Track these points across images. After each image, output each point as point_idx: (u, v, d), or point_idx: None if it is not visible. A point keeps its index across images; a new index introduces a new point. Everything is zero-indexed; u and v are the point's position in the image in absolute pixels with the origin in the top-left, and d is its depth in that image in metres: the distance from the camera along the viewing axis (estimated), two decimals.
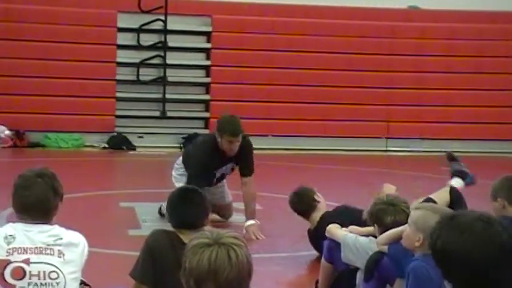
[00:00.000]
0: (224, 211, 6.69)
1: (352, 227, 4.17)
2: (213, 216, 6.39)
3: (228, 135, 6.03)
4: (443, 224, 1.90)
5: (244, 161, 6.25)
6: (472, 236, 1.84)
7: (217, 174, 6.36)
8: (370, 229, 3.95)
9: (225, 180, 6.61)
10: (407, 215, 3.73)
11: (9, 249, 2.90)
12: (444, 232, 1.88)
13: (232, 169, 6.49)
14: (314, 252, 5.46)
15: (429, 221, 3.30)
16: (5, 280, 2.87)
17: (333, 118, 12.45)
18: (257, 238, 6.02)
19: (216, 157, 6.11)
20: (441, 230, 1.89)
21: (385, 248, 3.64)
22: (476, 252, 1.83)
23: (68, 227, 3.09)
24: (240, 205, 6.49)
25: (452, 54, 12.92)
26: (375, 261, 3.65)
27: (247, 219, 6.19)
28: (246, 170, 6.25)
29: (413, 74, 12.84)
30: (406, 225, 3.52)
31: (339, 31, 12.80)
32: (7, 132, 11.23)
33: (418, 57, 12.92)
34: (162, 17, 12.32)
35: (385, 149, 12.47)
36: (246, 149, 6.23)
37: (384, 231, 3.71)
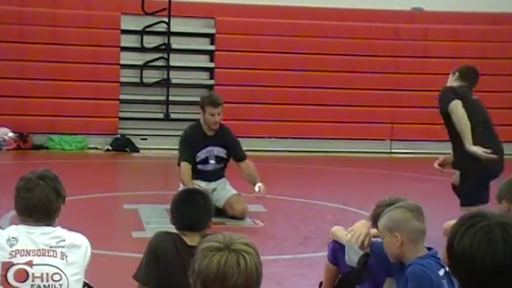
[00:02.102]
0: (237, 204, 6.76)
1: None
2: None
3: (210, 106, 6.66)
4: (462, 226, 1.88)
5: (233, 147, 6.82)
6: (491, 241, 1.82)
7: (201, 155, 6.77)
8: (374, 231, 3.93)
9: (225, 179, 6.87)
10: None
11: (12, 251, 2.90)
12: (462, 234, 1.86)
13: (218, 158, 6.78)
14: (317, 254, 5.45)
15: (396, 216, 3.35)
16: (8, 282, 2.86)
17: (337, 120, 12.43)
18: (262, 193, 6.64)
19: (198, 135, 6.74)
20: (460, 232, 1.87)
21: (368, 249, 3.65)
22: (492, 257, 1.81)
23: (72, 229, 3.08)
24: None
25: (456, 56, 12.90)
26: (362, 263, 3.65)
27: (255, 184, 6.71)
28: (239, 154, 6.82)
29: (417, 76, 12.82)
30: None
31: (343, 33, 12.80)
32: (11, 134, 11.23)
33: (423, 59, 12.90)
34: (166, 19, 12.32)
35: (389, 150, 12.45)
36: (228, 134, 6.83)
37: None
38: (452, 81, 6.04)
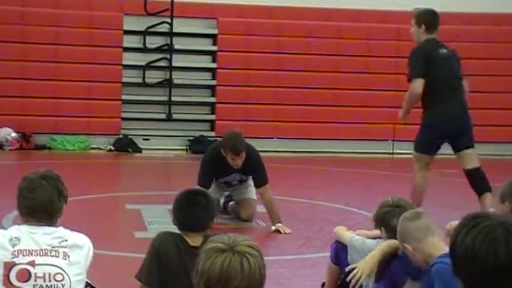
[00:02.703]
0: (246, 208, 6.74)
1: (359, 230, 4.16)
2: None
3: (231, 152, 6.32)
4: (464, 227, 1.88)
5: (254, 173, 6.54)
6: (493, 241, 1.82)
7: (222, 180, 6.65)
8: (377, 232, 3.93)
9: (250, 182, 6.79)
10: None
11: (15, 251, 2.90)
12: (465, 235, 1.86)
13: (241, 180, 6.65)
14: (320, 255, 5.45)
15: (399, 229, 3.45)
16: (11, 282, 2.86)
17: (339, 120, 12.43)
18: (285, 232, 6.31)
19: (220, 166, 6.42)
20: (462, 232, 1.87)
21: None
22: (494, 256, 1.80)
23: (74, 229, 3.08)
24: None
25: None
26: (387, 263, 3.64)
27: (273, 224, 6.44)
28: (258, 181, 6.52)
29: None
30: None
31: (344, 33, 12.79)
32: (13, 134, 11.25)
33: None
34: (168, 20, 12.33)
35: (391, 151, 12.44)
36: (252, 161, 6.48)
37: (391, 234, 3.70)
38: (420, 34, 6.49)
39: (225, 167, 6.43)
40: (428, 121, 6.43)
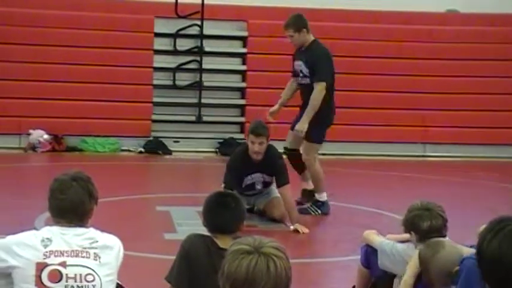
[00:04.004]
0: (279, 208, 6.73)
1: (389, 235, 4.13)
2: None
3: (251, 134, 6.48)
4: (490, 231, 1.86)
5: (277, 172, 6.58)
6: None
7: (247, 181, 6.67)
8: (407, 236, 3.90)
9: (272, 187, 6.83)
10: (443, 219, 3.69)
11: (46, 252, 2.92)
12: (491, 239, 1.84)
13: (265, 183, 6.66)
14: (349, 258, 5.42)
15: (420, 256, 3.44)
16: (42, 283, 2.89)
17: (369, 123, 12.36)
18: (303, 232, 6.35)
19: (245, 161, 6.52)
20: (488, 237, 1.85)
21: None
22: None
23: (104, 230, 3.10)
24: None
25: (483, 58, 12.76)
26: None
27: (293, 224, 6.48)
28: (281, 181, 6.55)
29: (452, 79, 12.70)
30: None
31: (375, 35, 12.72)
32: (46, 136, 11.37)
33: (454, 61, 12.77)
34: (199, 22, 12.37)
35: (422, 154, 12.35)
36: (273, 159, 6.56)
37: (421, 238, 3.66)
38: (305, 36, 7.05)
39: (249, 164, 6.52)
40: (325, 117, 7.14)
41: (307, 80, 7.09)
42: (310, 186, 7.34)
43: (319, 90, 6.91)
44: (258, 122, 6.68)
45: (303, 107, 7.15)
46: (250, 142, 6.48)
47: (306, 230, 6.41)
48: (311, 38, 7.12)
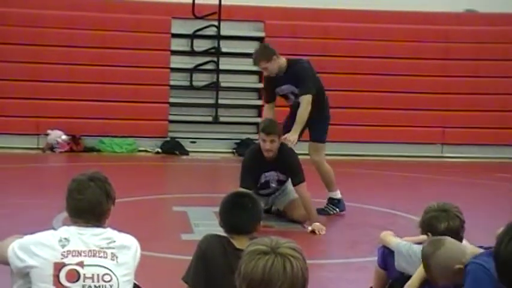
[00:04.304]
0: (298, 209, 6.72)
1: (406, 237, 4.12)
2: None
3: (262, 132, 6.50)
4: (507, 234, 1.86)
5: (292, 170, 6.58)
6: None
7: (262, 179, 6.66)
8: (423, 237, 3.88)
9: (287, 184, 6.81)
10: (461, 220, 3.67)
11: (64, 252, 2.94)
12: (508, 241, 1.83)
13: (279, 182, 6.65)
14: (366, 259, 5.40)
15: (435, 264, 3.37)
16: (60, 283, 2.90)
17: (387, 124, 12.32)
18: (319, 233, 6.34)
19: (258, 160, 6.52)
20: (505, 239, 1.85)
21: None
22: None
23: (122, 230, 3.11)
24: None
25: (507, 58, 12.67)
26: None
27: (311, 223, 6.49)
28: (296, 179, 6.56)
29: (469, 79, 12.63)
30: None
31: (393, 35, 12.69)
32: (64, 137, 11.44)
33: (473, 61, 12.70)
34: (216, 23, 12.39)
35: (440, 155, 12.29)
36: (286, 157, 6.56)
37: None
38: (279, 61, 7.04)
39: (263, 162, 6.53)
40: (327, 116, 7.30)
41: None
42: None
43: (305, 104, 6.89)
44: (269, 120, 6.68)
45: (292, 116, 7.09)
46: (261, 140, 6.49)
47: (323, 232, 6.40)
48: (284, 60, 7.05)
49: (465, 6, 13.33)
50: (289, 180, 6.77)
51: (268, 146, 6.44)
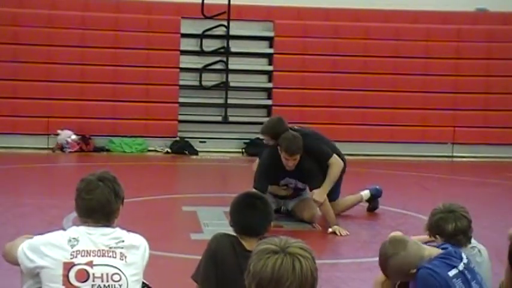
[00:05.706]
0: (309, 209, 6.70)
1: (413, 237, 4.09)
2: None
3: (284, 153, 6.37)
4: None
5: (309, 175, 6.53)
6: None
7: (282, 182, 6.67)
8: (425, 237, 3.85)
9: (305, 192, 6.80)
10: (468, 220, 3.64)
11: (73, 251, 2.94)
12: None
13: (297, 190, 6.75)
14: (377, 259, 5.37)
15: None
16: (70, 282, 2.90)
17: (397, 123, 12.28)
18: (341, 234, 6.31)
19: (277, 166, 6.45)
20: None
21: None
22: None
23: (131, 230, 3.11)
24: None
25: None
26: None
27: (330, 226, 6.46)
28: (312, 184, 6.53)
29: (480, 78, 12.58)
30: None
31: (403, 35, 12.65)
32: (74, 137, 11.46)
33: (485, 60, 12.64)
34: (225, 23, 12.39)
35: (451, 154, 12.24)
36: (305, 165, 6.48)
37: (447, 241, 3.61)
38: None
39: (282, 169, 6.46)
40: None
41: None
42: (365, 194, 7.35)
43: (337, 166, 6.68)
44: (292, 137, 6.38)
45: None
46: (283, 158, 6.35)
47: (345, 233, 6.35)
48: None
49: (477, 5, 13.27)
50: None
51: (291, 164, 6.38)
